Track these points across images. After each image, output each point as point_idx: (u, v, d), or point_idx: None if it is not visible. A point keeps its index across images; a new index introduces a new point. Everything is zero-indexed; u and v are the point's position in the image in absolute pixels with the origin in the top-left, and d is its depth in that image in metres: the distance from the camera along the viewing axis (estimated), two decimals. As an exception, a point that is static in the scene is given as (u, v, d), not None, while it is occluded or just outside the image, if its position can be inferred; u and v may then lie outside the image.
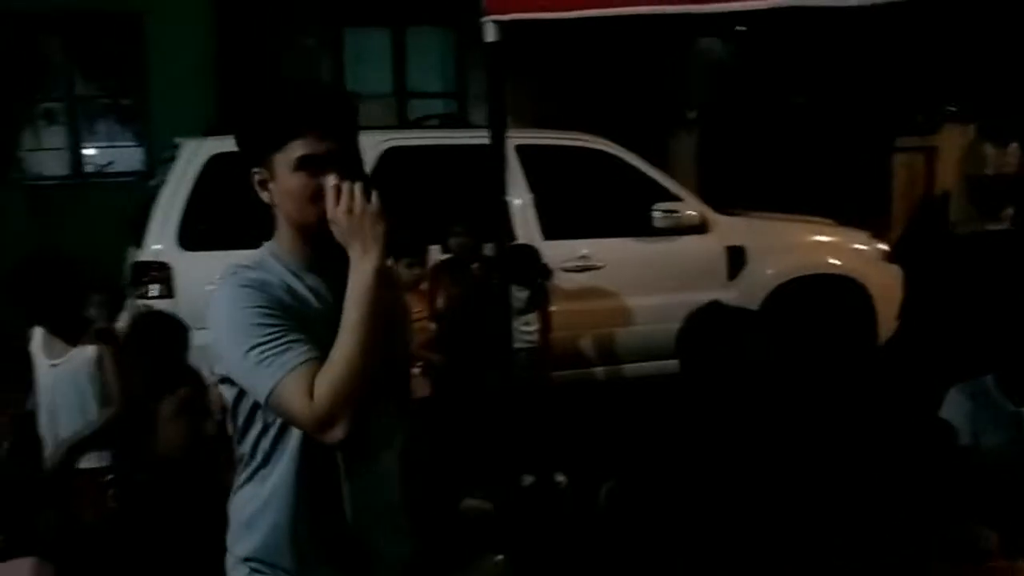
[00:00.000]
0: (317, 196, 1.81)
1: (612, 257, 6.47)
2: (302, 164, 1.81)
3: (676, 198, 6.67)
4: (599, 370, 6.62)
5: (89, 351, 3.92)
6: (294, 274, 1.89)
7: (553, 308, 5.79)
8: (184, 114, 7.70)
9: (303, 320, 1.82)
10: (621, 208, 6.59)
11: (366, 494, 1.91)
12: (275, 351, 1.75)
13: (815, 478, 2.71)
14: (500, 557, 4.08)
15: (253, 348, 1.76)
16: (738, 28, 9.86)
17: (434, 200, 6.03)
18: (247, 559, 1.92)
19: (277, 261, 1.90)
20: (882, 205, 9.61)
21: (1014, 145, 9.96)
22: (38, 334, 3.99)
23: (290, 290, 1.87)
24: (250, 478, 1.92)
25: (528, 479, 4.90)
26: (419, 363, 4.94)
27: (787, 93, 10.39)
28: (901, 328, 6.93)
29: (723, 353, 2.58)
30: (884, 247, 7.24)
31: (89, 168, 9.44)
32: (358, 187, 1.78)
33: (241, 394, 1.86)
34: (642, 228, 6.51)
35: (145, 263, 5.64)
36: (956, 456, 3.19)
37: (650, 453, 2.76)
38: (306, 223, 1.85)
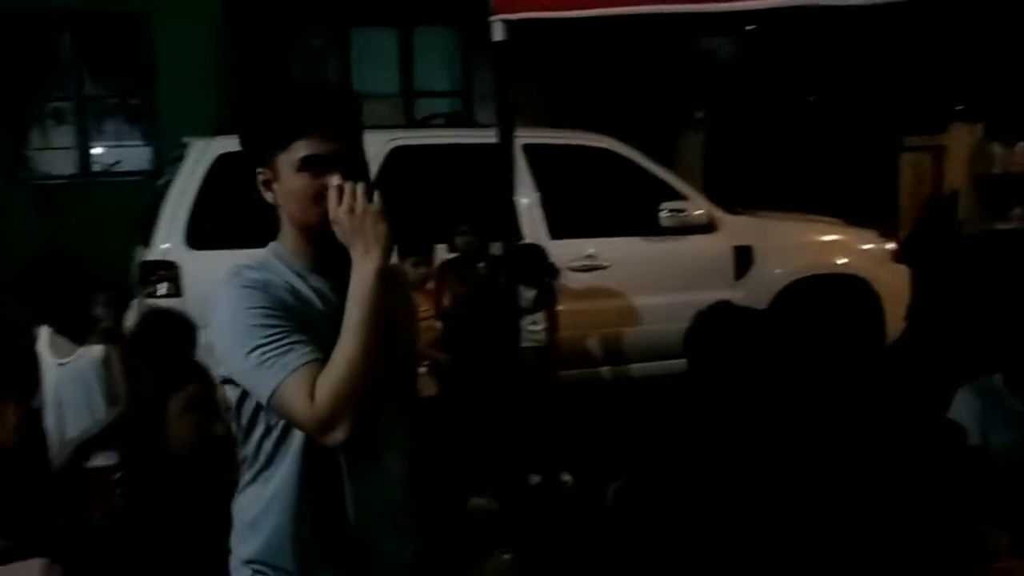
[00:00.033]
0: (321, 196, 1.80)
1: (619, 256, 6.46)
2: (306, 164, 1.81)
3: (683, 197, 6.66)
4: (605, 370, 6.62)
5: (96, 350, 3.93)
6: (298, 275, 1.88)
7: (560, 307, 5.79)
8: (192, 114, 7.72)
9: (306, 321, 1.81)
10: (628, 207, 6.58)
11: (369, 496, 1.90)
12: (277, 352, 1.75)
13: (823, 478, 2.70)
14: (508, 556, 4.08)
15: (255, 349, 1.75)
16: (748, 27, 9.84)
17: (440, 199, 6.03)
18: (249, 561, 1.92)
19: (281, 262, 1.89)
20: (890, 204, 9.59)
21: (1022, 144, 9.93)
22: (44, 333, 4.00)
23: (293, 291, 1.86)
24: (253, 480, 1.92)
25: (535, 478, 4.91)
26: (425, 362, 4.95)
27: (794, 92, 10.38)
28: (909, 328, 6.91)
29: (731, 353, 2.58)
30: (892, 247, 7.23)
31: (97, 167, 9.47)
32: (360, 187, 1.78)
33: (244, 395, 1.85)
34: (649, 227, 6.50)
35: (153, 262, 5.65)
36: (965, 456, 3.18)
37: (657, 453, 2.75)
38: (309, 224, 1.84)
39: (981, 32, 8.75)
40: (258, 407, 1.83)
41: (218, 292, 1.86)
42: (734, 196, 7.37)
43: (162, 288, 5.57)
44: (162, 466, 3.91)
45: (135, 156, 9.48)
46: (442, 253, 5.68)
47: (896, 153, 9.93)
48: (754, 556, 2.56)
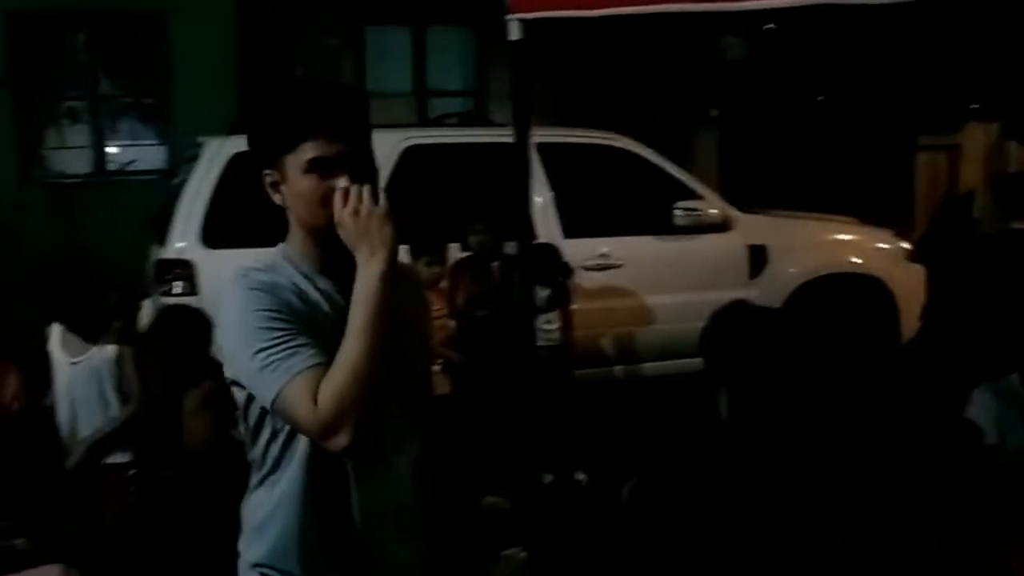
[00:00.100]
0: (328, 198, 1.78)
1: (633, 255, 6.45)
2: (313, 166, 1.79)
3: (698, 196, 6.65)
4: (619, 369, 6.61)
5: (109, 349, 3.95)
6: (306, 277, 1.87)
7: (574, 307, 5.78)
8: (207, 113, 7.74)
9: (312, 324, 1.80)
10: (642, 206, 6.58)
11: (376, 500, 1.89)
12: (281, 355, 1.73)
13: (838, 477, 2.69)
14: (522, 554, 4.08)
15: (259, 352, 1.74)
16: (767, 26, 9.81)
17: (454, 198, 6.04)
18: (257, 565, 1.91)
19: (289, 263, 1.88)
20: (905, 204, 9.54)
21: (1038, 143, 9.87)
22: (56, 332, 4.01)
23: (300, 293, 1.84)
24: (260, 483, 1.91)
25: (548, 477, 4.91)
26: (439, 361, 4.95)
27: (809, 91, 10.34)
28: (924, 327, 6.87)
29: (747, 352, 2.57)
30: (907, 246, 7.20)
31: (112, 166, 9.51)
32: (366, 190, 1.76)
33: (251, 398, 1.83)
34: (663, 226, 6.49)
35: (169, 261, 5.67)
36: (982, 455, 3.17)
37: (671, 452, 2.75)
38: (317, 226, 1.82)
39: (996, 30, 8.70)
40: (264, 410, 1.82)
41: (225, 293, 1.85)
42: (749, 195, 7.35)
43: (177, 287, 5.59)
44: (176, 463, 3.93)
45: (150, 155, 9.51)
46: (455, 252, 5.68)
47: (911, 152, 9.88)
48: (768, 555, 2.56)
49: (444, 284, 5.47)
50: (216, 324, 1.87)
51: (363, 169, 1.81)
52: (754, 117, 10.26)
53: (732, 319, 2.68)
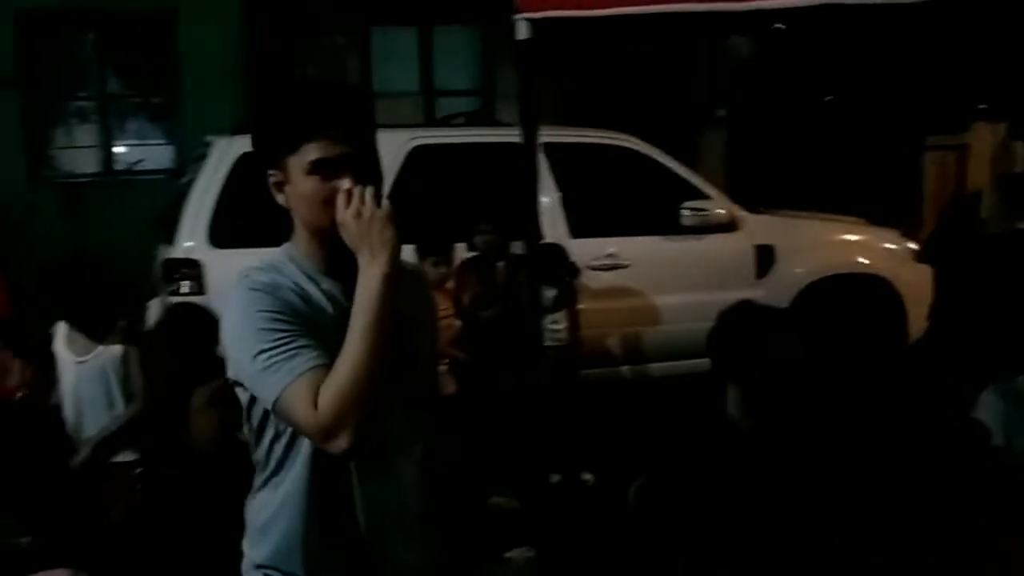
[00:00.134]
0: (331, 200, 1.77)
1: (639, 256, 6.46)
2: (315, 168, 1.78)
3: (705, 196, 6.65)
4: (626, 369, 6.61)
5: (115, 349, 3.96)
6: (309, 277, 1.86)
7: (580, 306, 5.79)
8: (214, 112, 7.76)
9: (315, 325, 1.78)
10: (649, 206, 6.58)
11: (380, 502, 1.88)
12: (282, 357, 1.72)
13: (845, 478, 2.69)
14: (529, 554, 4.08)
15: (260, 353, 1.73)
16: (776, 26, 9.79)
17: (461, 198, 6.04)
18: (260, 566, 1.91)
19: (293, 264, 1.87)
20: (912, 204, 9.53)
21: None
22: (61, 331, 4.02)
23: (303, 294, 1.83)
24: (264, 484, 1.90)
25: (555, 477, 4.91)
26: (444, 361, 4.96)
27: (817, 91, 10.33)
28: (931, 328, 6.86)
29: (754, 352, 2.57)
30: (914, 246, 7.19)
31: (120, 166, 9.53)
32: (369, 191, 1.74)
33: (254, 399, 1.83)
34: (670, 226, 6.49)
35: (176, 260, 5.69)
36: (989, 456, 3.16)
37: (678, 452, 2.75)
38: (320, 227, 1.81)
39: (1003, 31, 8.68)
40: (267, 411, 1.81)
41: (228, 294, 1.85)
42: (756, 195, 7.34)
43: (185, 286, 5.60)
44: (183, 462, 3.93)
45: (158, 155, 9.53)
46: (462, 252, 5.69)
47: (919, 152, 9.87)
48: (776, 556, 2.56)
49: (450, 284, 5.47)
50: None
51: (367, 171, 1.80)
52: (761, 117, 10.24)
53: (739, 319, 2.67)
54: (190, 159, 6.90)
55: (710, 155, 10.11)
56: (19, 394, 4.15)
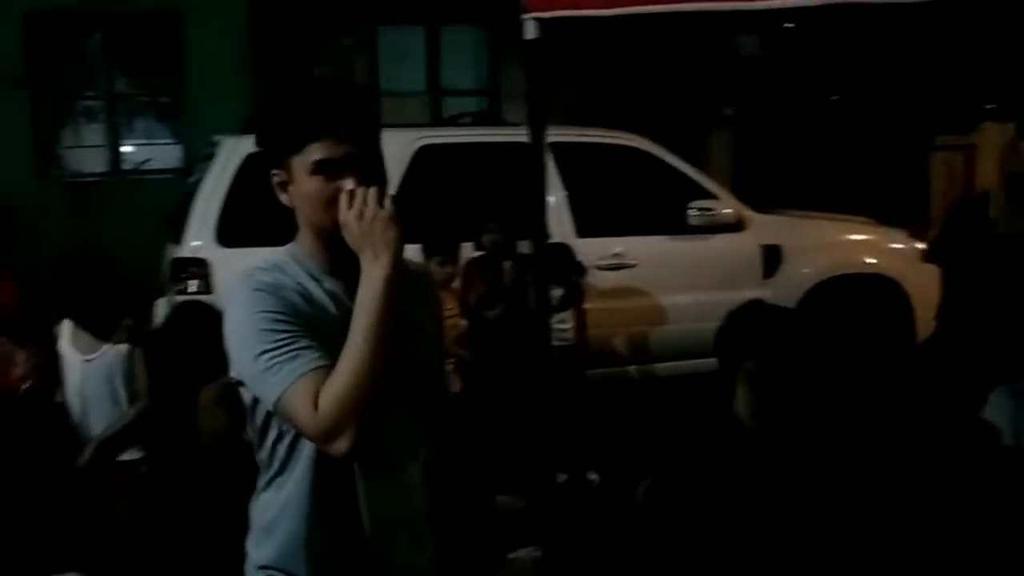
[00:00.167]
0: (334, 200, 1.76)
1: (646, 255, 6.45)
2: (319, 168, 1.77)
3: (712, 196, 6.64)
4: (632, 368, 6.60)
5: (122, 348, 3.97)
6: (313, 277, 1.85)
7: (587, 306, 5.78)
8: (222, 112, 7.77)
9: (317, 326, 1.77)
10: (656, 206, 6.57)
11: (383, 503, 1.87)
12: (283, 358, 1.71)
13: (854, 477, 2.69)
14: (537, 553, 4.08)
15: (262, 354, 1.72)
16: (786, 25, 9.78)
17: (467, 198, 6.05)
18: (263, 567, 1.90)
19: (297, 264, 1.86)
20: (920, 204, 9.51)
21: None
22: (66, 329, 4.03)
23: (306, 294, 1.82)
24: (268, 485, 1.89)
25: (562, 477, 4.91)
26: (451, 360, 4.96)
27: (824, 90, 10.31)
28: (939, 328, 6.85)
29: (762, 352, 2.56)
30: (922, 246, 7.17)
31: (128, 165, 9.56)
32: (372, 192, 1.73)
33: (257, 399, 1.82)
34: (677, 226, 6.49)
35: (184, 259, 5.70)
36: (999, 457, 3.15)
37: (686, 452, 2.74)
38: (323, 227, 1.80)
39: (1012, 30, 8.66)
40: (270, 412, 1.80)
41: (231, 294, 1.84)
42: (763, 195, 7.33)
43: (193, 285, 5.61)
44: (189, 460, 3.94)
45: (165, 154, 9.56)
46: (468, 251, 5.69)
47: (926, 152, 9.85)
48: (782, 555, 2.55)
49: (456, 284, 5.47)
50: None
51: (370, 171, 1.79)
52: (769, 117, 10.23)
53: (749, 318, 2.67)
54: (198, 158, 6.91)
55: (717, 155, 10.10)
56: (24, 385, 4.15)
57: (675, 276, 6.49)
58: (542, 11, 3.50)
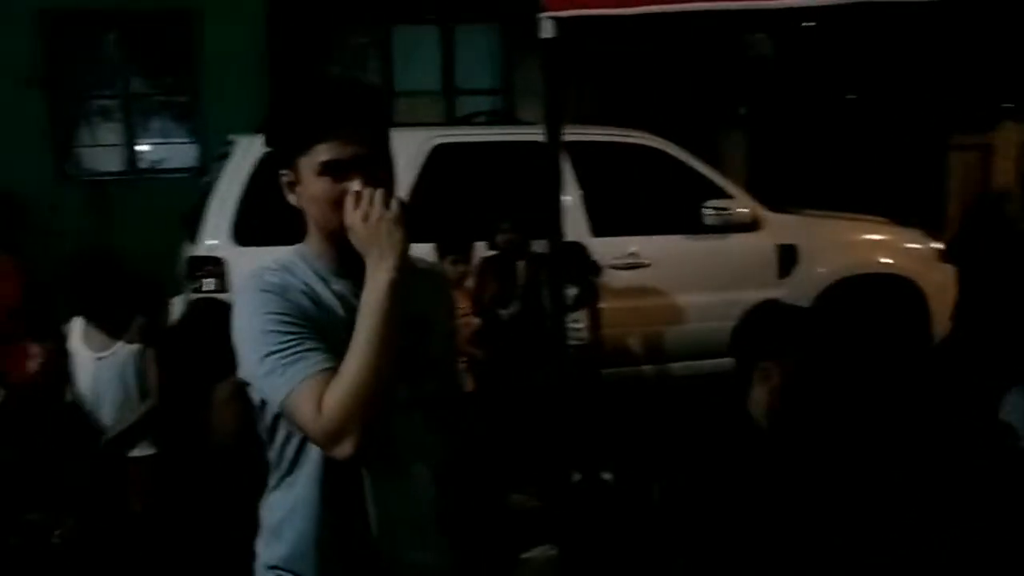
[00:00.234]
0: (341, 201, 1.75)
1: (661, 255, 6.44)
2: (326, 169, 1.76)
3: (727, 195, 6.62)
4: (647, 368, 6.59)
5: (134, 346, 3.99)
6: (321, 278, 1.84)
7: (602, 305, 5.78)
8: (237, 111, 7.78)
9: (324, 327, 1.77)
10: (671, 205, 6.56)
11: (393, 504, 1.86)
12: (289, 360, 1.71)
13: (871, 477, 2.68)
14: (552, 551, 4.08)
15: (268, 356, 1.72)
16: (804, 24, 9.74)
17: (482, 197, 6.05)
18: (273, 567, 1.90)
19: (305, 264, 1.85)
20: (937, 203, 9.47)
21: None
22: (77, 327, 4.05)
23: (314, 295, 1.82)
24: (277, 485, 1.89)
25: (576, 476, 4.90)
26: (463, 359, 4.96)
27: (840, 89, 10.27)
28: (956, 328, 6.82)
29: (779, 351, 2.56)
30: (938, 246, 7.13)
31: (144, 164, 9.60)
32: (379, 194, 1.72)
33: (265, 400, 1.82)
34: (692, 225, 6.47)
35: (200, 258, 5.72)
36: (1016, 457, 3.13)
37: (701, 452, 2.74)
38: (331, 228, 1.79)
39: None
40: (279, 412, 1.80)
41: (238, 295, 1.84)
42: (779, 194, 7.31)
43: (208, 283, 5.63)
44: (201, 457, 3.95)
45: (181, 153, 9.59)
46: (482, 250, 5.69)
47: (943, 152, 9.80)
48: (797, 555, 2.55)
49: (469, 283, 5.48)
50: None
51: (378, 172, 1.78)
52: (784, 116, 10.19)
53: (765, 318, 2.66)
54: (213, 157, 6.93)
55: (732, 154, 10.07)
56: (40, 373, 4.18)
57: (690, 276, 6.47)
58: (560, 10, 3.49)
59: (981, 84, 9.45)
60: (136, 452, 4.02)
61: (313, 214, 1.83)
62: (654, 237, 6.46)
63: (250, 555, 1.96)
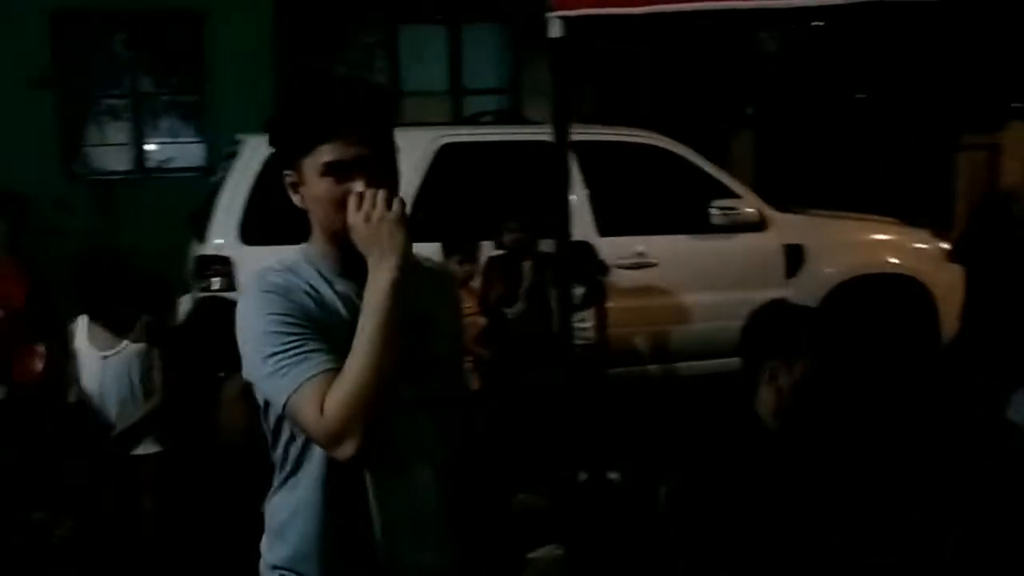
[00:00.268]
0: (343, 202, 1.75)
1: (668, 254, 6.44)
2: (329, 169, 1.75)
3: (734, 195, 6.61)
4: (654, 367, 6.59)
5: (140, 345, 4.00)
6: (324, 279, 1.84)
7: (609, 305, 5.78)
8: (245, 111, 7.79)
9: (327, 328, 1.76)
10: (678, 205, 6.56)
11: (396, 505, 1.86)
12: (292, 361, 1.71)
13: (877, 478, 2.67)
14: (559, 550, 4.08)
15: (270, 356, 1.72)
16: (814, 23, 9.72)
17: (489, 196, 6.05)
18: (277, 567, 1.90)
19: (309, 265, 1.85)
20: (945, 203, 9.44)
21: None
22: (82, 326, 4.06)
23: (317, 296, 1.81)
24: (281, 485, 1.89)
25: (583, 475, 4.90)
26: (469, 358, 4.97)
27: (848, 89, 10.25)
28: (963, 329, 6.79)
29: (787, 351, 2.55)
30: (946, 246, 7.11)
31: (151, 163, 9.62)
32: (381, 194, 1.72)
33: (268, 400, 1.82)
34: (699, 225, 6.47)
35: (208, 257, 5.74)
36: (1022, 457, 3.13)
37: (708, 452, 2.73)
38: (334, 229, 1.79)
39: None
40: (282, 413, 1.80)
41: (242, 295, 1.84)
42: (786, 194, 7.30)
43: (216, 283, 5.65)
44: (208, 455, 3.96)
45: (189, 152, 9.62)
46: (488, 250, 5.69)
47: (951, 151, 9.77)
48: (805, 556, 2.54)
49: (475, 282, 5.48)
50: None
51: (382, 172, 1.78)
52: (791, 115, 10.18)
53: (773, 317, 2.66)
54: (221, 157, 6.95)
55: (740, 154, 10.06)
56: (42, 372, 4.20)
57: (697, 275, 6.47)
58: (568, 9, 3.49)
59: (989, 84, 9.42)
60: (141, 450, 4.03)
61: (316, 215, 1.83)
62: (661, 237, 6.45)
63: (256, 554, 1.96)
